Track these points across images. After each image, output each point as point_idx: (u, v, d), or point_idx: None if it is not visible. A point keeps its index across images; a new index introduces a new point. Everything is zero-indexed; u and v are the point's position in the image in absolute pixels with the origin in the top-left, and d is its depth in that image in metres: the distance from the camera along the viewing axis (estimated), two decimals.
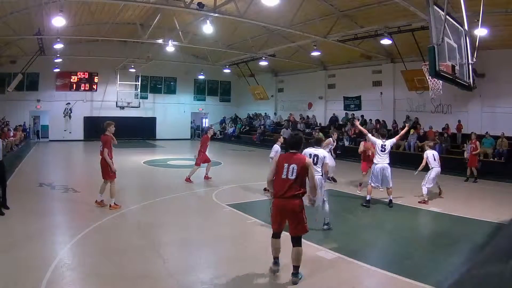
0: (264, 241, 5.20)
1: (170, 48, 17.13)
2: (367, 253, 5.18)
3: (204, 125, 29.97)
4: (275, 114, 26.60)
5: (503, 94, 14.22)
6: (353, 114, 20.29)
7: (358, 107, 20.48)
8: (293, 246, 4.09)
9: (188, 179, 10.22)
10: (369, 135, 8.44)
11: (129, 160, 14.75)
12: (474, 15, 7.80)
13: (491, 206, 8.14)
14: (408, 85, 15.82)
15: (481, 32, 7.62)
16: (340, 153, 9.92)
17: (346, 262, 4.75)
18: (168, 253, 4.97)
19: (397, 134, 17.04)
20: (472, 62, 5.80)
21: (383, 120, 18.29)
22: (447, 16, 4.86)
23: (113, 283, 4.05)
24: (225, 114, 29.63)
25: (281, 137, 9.04)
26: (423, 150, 9.68)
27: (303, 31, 14.36)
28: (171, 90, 27.43)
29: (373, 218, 7.23)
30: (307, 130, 21.69)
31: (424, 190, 8.29)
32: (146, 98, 26.43)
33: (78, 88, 24.20)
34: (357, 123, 9.76)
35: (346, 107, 21.15)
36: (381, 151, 7.91)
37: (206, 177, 10.60)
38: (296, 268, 4.08)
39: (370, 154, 9.00)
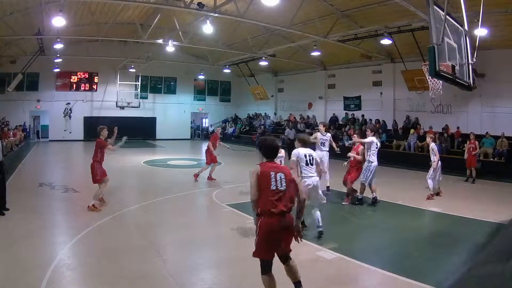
0: None
1: (170, 48, 17.13)
2: (367, 253, 5.18)
3: (204, 125, 30.02)
4: (275, 114, 26.61)
5: (503, 94, 14.21)
6: (353, 114, 20.31)
7: (358, 107, 20.48)
8: (284, 262, 3.49)
9: (196, 176, 10.41)
10: (368, 139, 7.89)
11: (129, 160, 14.76)
12: (474, 15, 7.80)
13: (491, 206, 8.13)
14: (408, 85, 15.84)
15: (481, 32, 7.62)
16: (340, 153, 9.74)
17: (346, 262, 4.75)
18: (168, 253, 4.98)
19: (397, 134, 16.99)
20: (472, 62, 5.80)
21: (383, 120, 18.31)
22: (447, 16, 4.86)
23: (113, 283, 4.05)
24: (225, 114, 29.64)
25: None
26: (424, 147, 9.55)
27: (303, 31, 14.36)
28: (171, 90, 27.44)
29: (373, 218, 7.23)
30: (307, 130, 21.73)
31: (430, 184, 8.36)
32: (146, 98, 26.45)
33: (78, 88, 24.21)
34: (355, 138, 8.30)
35: (346, 107, 21.14)
36: (377, 148, 7.90)
37: (210, 178, 10.59)
38: (299, 283, 3.52)
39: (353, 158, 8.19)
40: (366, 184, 7.88)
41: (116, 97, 24.64)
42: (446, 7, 4.74)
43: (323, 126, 9.44)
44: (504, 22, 12.01)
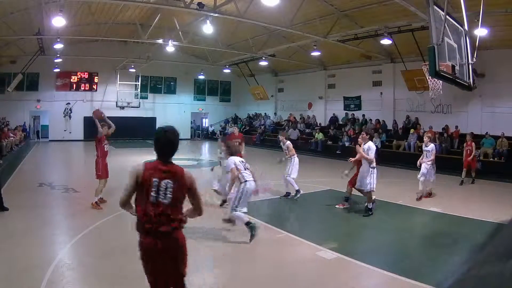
0: (264, 241, 5.21)
1: (170, 48, 17.13)
2: (367, 253, 5.18)
3: (204, 125, 30.02)
4: (275, 114, 26.60)
5: (503, 94, 14.21)
6: (353, 114, 20.31)
7: (358, 107, 20.49)
8: None
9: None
10: (369, 143, 7.12)
11: (129, 160, 14.72)
12: (474, 15, 7.80)
13: (491, 206, 8.14)
14: (408, 85, 15.83)
15: (481, 32, 7.62)
16: (340, 153, 9.67)
17: (346, 262, 4.74)
18: None
19: (397, 134, 16.88)
20: (472, 62, 5.80)
21: (383, 120, 18.31)
22: (447, 16, 4.86)
23: (113, 283, 4.05)
24: (225, 114, 29.63)
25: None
26: (422, 146, 9.40)
27: (303, 31, 14.36)
28: (171, 90, 27.44)
29: (373, 218, 7.22)
30: (307, 130, 21.75)
31: (420, 185, 8.33)
32: (146, 98, 26.43)
33: (78, 88, 24.18)
34: (358, 148, 7.37)
35: (346, 107, 21.15)
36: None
37: None
38: None
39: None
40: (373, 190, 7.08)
41: (116, 97, 24.62)
42: (446, 7, 4.74)
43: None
44: (504, 22, 12.01)
